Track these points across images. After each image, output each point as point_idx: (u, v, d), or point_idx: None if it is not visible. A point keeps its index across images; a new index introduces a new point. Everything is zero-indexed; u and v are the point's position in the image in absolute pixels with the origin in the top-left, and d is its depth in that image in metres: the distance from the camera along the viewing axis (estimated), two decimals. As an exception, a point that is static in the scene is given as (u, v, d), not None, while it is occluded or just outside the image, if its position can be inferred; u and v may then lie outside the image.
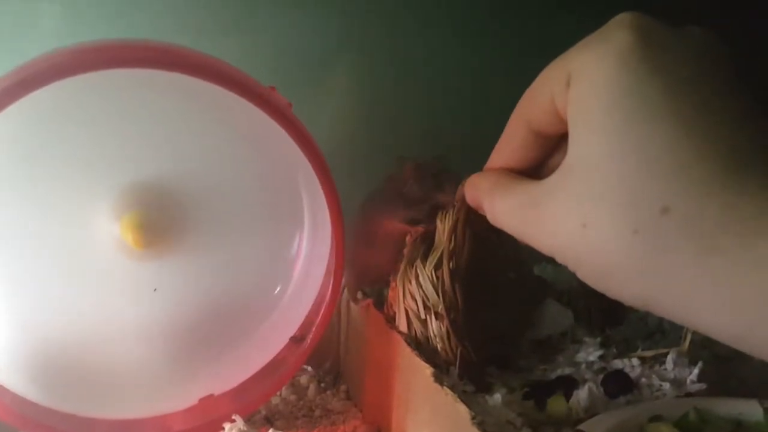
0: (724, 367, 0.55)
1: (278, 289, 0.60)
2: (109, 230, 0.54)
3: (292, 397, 0.64)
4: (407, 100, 0.75)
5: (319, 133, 0.55)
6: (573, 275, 0.67)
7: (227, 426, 0.54)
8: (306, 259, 0.60)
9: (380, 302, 0.61)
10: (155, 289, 0.57)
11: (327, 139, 0.55)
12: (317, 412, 0.62)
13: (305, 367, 0.67)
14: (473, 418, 0.43)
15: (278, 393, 0.63)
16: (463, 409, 0.44)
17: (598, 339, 0.58)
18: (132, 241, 0.54)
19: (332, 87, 0.73)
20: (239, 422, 0.54)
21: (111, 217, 0.54)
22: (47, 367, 0.54)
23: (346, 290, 0.64)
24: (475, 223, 0.56)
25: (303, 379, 0.66)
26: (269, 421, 0.59)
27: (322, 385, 0.66)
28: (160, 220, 0.55)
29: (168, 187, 0.55)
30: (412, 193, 0.58)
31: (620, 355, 0.56)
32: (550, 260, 0.72)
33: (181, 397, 0.57)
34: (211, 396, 0.57)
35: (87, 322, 0.55)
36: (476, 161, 0.72)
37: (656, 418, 0.46)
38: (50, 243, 0.54)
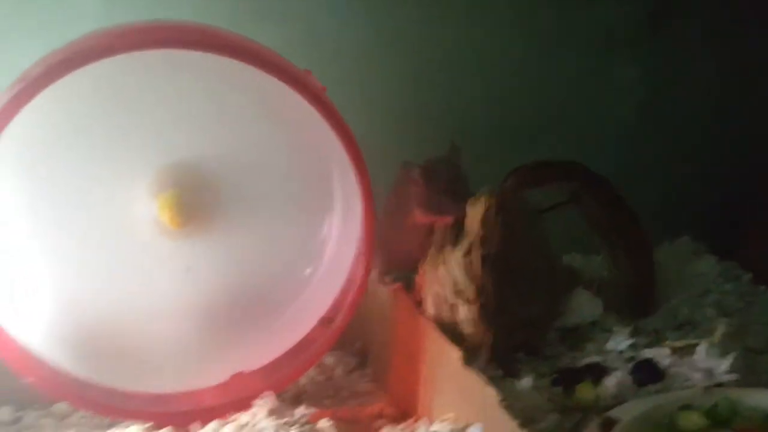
0: (755, 359, 0.55)
1: (309, 270, 0.61)
2: (146, 209, 0.55)
3: (320, 378, 0.65)
4: (440, 89, 0.75)
5: (352, 118, 0.55)
6: (603, 265, 0.67)
7: (258, 402, 0.55)
8: (336, 241, 0.60)
9: (408, 287, 0.62)
10: (188, 269, 0.58)
11: (359, 124, 0.56)
12: (344, 393, 0.63)
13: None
14: (502, 400, 0.44)
15: (307, 373, 0.64)
16: (491, 392, 0.45)
17: (628, 328, 0.58)
18: (168, 219, 0.55)
19: (365, 74, 0.73)
20: (270, 399, 0.55)
21: (148, 196, 0.55)
22: (84, 340, 0.55)
23: (375, 274, 0.64)
24: (506, 211, 0.57)
25: (330, 361, 0.67)
26: (298, 400, 0.60)
27: (349, 367, 0.67)
28: (196, 200, 0.56)
29: (203, 167, 0.56)
30: (422, 200, 0.58)
31: (650, 345, 0.56)
32: (580, 250, 0.73)
33: (213, 374, 0.58)
34: (241, 373, 0.58)
35: (123, 298, 0.56)
36: (504, 152, 0.72)
37: (686, 407, 0.46)
38: (90, 220, 0.55)
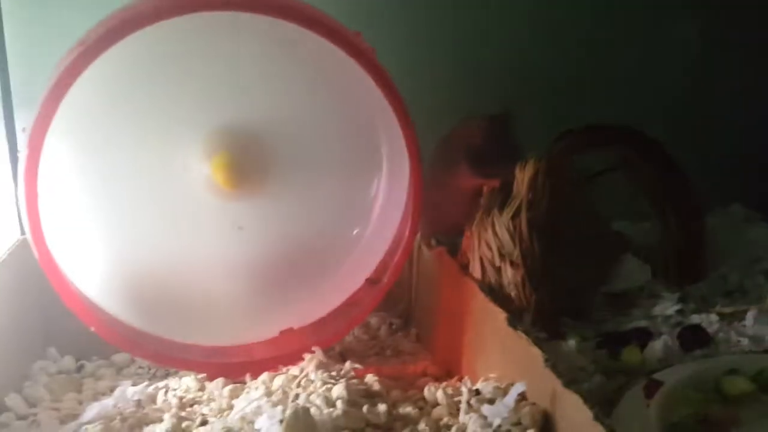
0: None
1: (356, 231, 0.62)
2: (200, 170, 0.57)
3: (365, 337, 0.66)
4: (490, 50, 0.75)
5: (400, 81, 0.55)
6: (651, 231, 0.66)
7: (307, 356, 0.56)
8: (384, 202, 0.61)
9: (453, 250, 0.62)
10: (240, 228, 0.59)
11: (407, 86, 0.56)
12: (388, 352, 0.64)
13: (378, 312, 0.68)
14: (546, 360, 0.44)
15: (352, 332, 0.65)
16: (536, 352, 0.45)
17: (676, 294, 0.57)
18: (222, 180, 0.56)
19: (414, 35, 0.73)
20: (319, 354, 0.57)
21: (202, 157, 0.57)
22: (142, 293, 0.58)
23: (419, 237, 0.65)
24: (554, 175, 0.56)
25: (374, 321, 0.68)
26: (343, 357, 0.62)
27: (394, 327, 0.68)
28: (248, 161, 0.57)
29: (255, 129, 0.58)
30: (479, 153, 0.58)
31: (698, 311, 0.55)
32: (629, 217, 0.72)
33: (264, 329, 0.60)
34: (290, 329, 0.60)
35: (178, 255, 0.58)
36: (555, 114, 0.71)
37: (733, 372, 0.46)
38: (147, 180, 0.57)
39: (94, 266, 0.57)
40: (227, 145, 0.57)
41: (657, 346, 0.50)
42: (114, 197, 0.57)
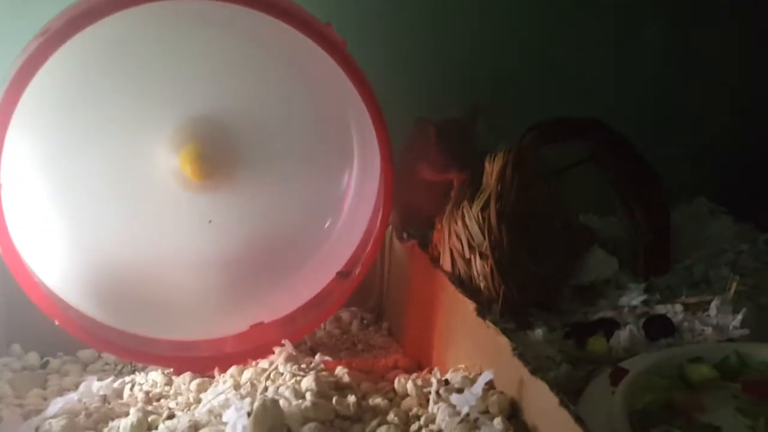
0: (766, 316, 0.55)
1: (327, 224, 0.62)
2: (168, 162, 0.56)
3: (337, 332, 0.66)
4: (460, 43, 0.75)
5: (371, 73, 0.55)
6: (619, 224, 0.67)
7: (277, 350, 0.56)
8: (355, 195, 0.61)
9: (424, 244, 0.62)
10: (210, 221, 0.59)
11: (378, 78, 0.56)
12: (360, 347, 0.65)
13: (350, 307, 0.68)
14: (514, 350, 0.44)
15: (323, 326, 0.65)
16: (503, 342, 0.46)
17: (642, 285, 0.58)
18: (190, 172, 0.56)
19: (385, 28, 0.73)
20: (288, 347, 0.56)
21: (170, 149, 0.56)
22: (109, 287, 0.57)
23: (390, 230, 0.65)
24: (523, 168, 0.57)
25: (346, 316, 0.68)
26: (314, 352, 0.62)
27: (365, 321, 0.68)
28: (217, 153, 0.57)
29: (224, 121, 0.57)
30: (435, 159, 0.59)
31: (663, 302, 0.56)
32: (597, 210, 0.73)
33: (233, 323, 0.59)
34: (261, 323, 0.60)
35: (146, 248, 0.58)
36: (524, 108, 0.72)
37: (697, 360, 0.47)
38: (114, 172, 0.56)
39: (59, 260, 0.56)
40: (196, 136, 0.56)
41: (623, 335, 0.51)
42: (79, 190, 0.56)
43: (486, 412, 0.45)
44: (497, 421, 0.43)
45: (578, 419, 0.37)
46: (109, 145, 0.56)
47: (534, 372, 0.43)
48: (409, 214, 0.64)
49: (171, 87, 0.56)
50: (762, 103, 0.78)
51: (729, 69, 0.79)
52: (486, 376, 0.45)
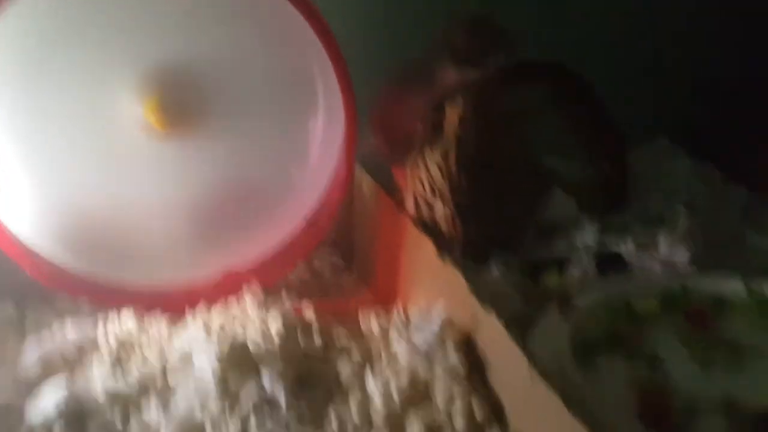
0: (717, 253, 0.57)
1: (294, 170, 0.63)
2: (133, 112, 0.57)
3: (307, 276, 0.68)
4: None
5: (332, 19, 0.55)
6: (580, 166, 0.68)
7: (247, 295, 0.58)
8: (321, 143, 0.62)
9: (391, 189, 0.64)
10: (177, 170, 0.59)
11: (340, 25, 0.56)
12: (331, 291, 0.66)
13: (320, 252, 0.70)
14: (469, 286, 0.46)
15: (294, 273, 0.67)
16: (460, 280, 0.48)
17: (596, 225, 0.60)
18: (155, 121, 0.56)
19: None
20: (258, 292, 0.58)
21: (135, 99, 0.57)
22: (79, 235, 0.58)
23: (358, 175, 0.66)
24: (484, 111, 0.58)
25: (317, 262, 0.70)
26: (284, 296, 0.63)
27: (335, 266, 0.70)
28: (182, 102, 0.57)
29: (189, 70, 0.57)
30: (465, 50, 0.58)
31: (617, 240, 0.58)
32: (560, 152, 0.74)
33: (203, 271, 0.61)
34: (230, 271, 0.61)
35: (113, 196, 0.58)
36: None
37: (643, 293, 0.49)
38: (79, 122, 0.56)
39: (27, 209, 0.57)
40: (161, 85, 0.56)
41: (576, 272, 0.53)
42: (45, 140, 0.56)
43: (443, 346, 0.47)
44: (453, 356, 0.45)
45: (525, 350, 0.40)
46: (74, 94, 0.56)
47: (488, 308, 0.45)
48: (398, 142, 0.64)
49: (134, 35, 0.56)
50: (729, 48, 0.79)
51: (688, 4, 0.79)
52: (438, 311, 0.47)
